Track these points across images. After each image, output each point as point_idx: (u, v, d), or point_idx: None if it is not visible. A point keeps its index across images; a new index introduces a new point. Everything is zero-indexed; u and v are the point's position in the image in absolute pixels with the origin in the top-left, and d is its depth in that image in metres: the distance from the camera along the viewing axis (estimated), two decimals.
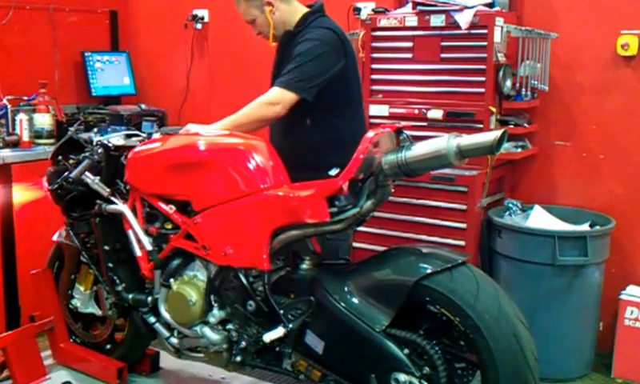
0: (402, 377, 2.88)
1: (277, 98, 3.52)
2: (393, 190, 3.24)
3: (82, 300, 4.12)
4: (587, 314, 4.35)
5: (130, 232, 3.61)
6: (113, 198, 3.69)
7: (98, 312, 4.10)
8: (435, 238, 4.35)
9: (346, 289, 3.08)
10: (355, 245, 4.62)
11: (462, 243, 4.31)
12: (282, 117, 3.56)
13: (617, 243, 4.41)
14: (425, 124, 4.43)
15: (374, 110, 4.64)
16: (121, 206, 3.64)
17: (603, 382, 4.36)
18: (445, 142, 2.90)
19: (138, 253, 3.60)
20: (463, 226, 4.33)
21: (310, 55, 3.53)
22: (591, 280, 4.28)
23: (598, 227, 4.34)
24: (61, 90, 5.65)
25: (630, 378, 4.30)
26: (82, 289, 4.12)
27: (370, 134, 3.04)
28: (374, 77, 4.71)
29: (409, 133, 3.14)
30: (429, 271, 2.91)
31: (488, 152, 2.93)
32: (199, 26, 6.10)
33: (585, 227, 4.36)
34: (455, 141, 2.89)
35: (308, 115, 3.63)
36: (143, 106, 5.99)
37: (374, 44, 4.67)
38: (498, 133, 2.82)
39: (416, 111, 4.47)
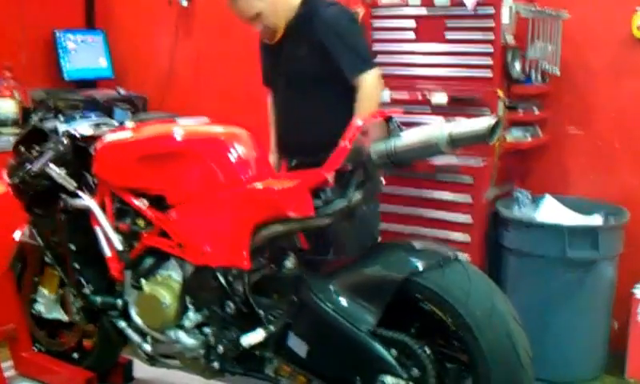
0: (389, 379, 2.97)
1: (378, 76, 3.92)
2: (384, 181, 3.35)
3: (46, 304, 4.18)
4: (599, 312, 4.45)
5: (98, 229, 3.68)
6: (80, 193, 3.75)
7: (65, 317, 4.16)
8: (439, 232, 4.47)
9: (331, 287, 3.17)
10: None
11: (467, 237, 4.43)
12: (304, 106, 3.91)
13: (632, 237, 4.46)
14: (429, 109, 4.53)
15: None
16: (88, 201, 3.71)
17: (616, 383, 4.46)
18: (436, 130, 3.01)
19: (107, 252, 3.67)
20: (469, 219, 4.45)
21: (356, 33, 4.01)
22: (604, 276, 4.38)
23: (611, 219, 4.42)
24: (28, 73, 5.66)
25: None
26: (46, 292, 4.18)
27: (359, 121, 3.14)
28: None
29: (405, 119, 3.23)
30: (419, 268, 3.01)
31: (481, 140, 3.01)
32: (184, 2, 6.14)
33: (598, 219, 4.44)
34: (447, 128, 2.99)
35: (339, 98, 3.94)
36: (122, 91, 6.05)
37: (375, 23, 4.77)
38: (491, 120, 2.94)
39: (419, 96, 4.57)
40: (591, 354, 4.49)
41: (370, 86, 3.86)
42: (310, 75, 3.95)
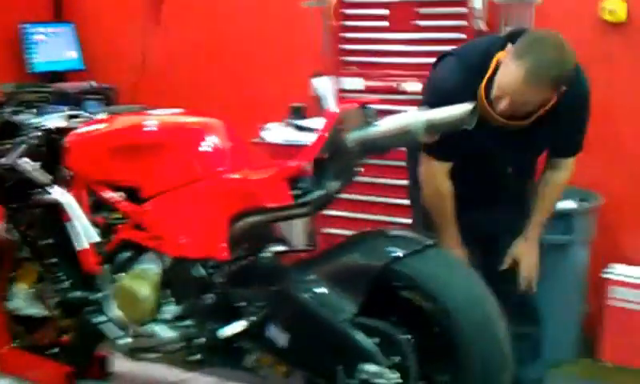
0: (370, 367, 2.99)
1: None
2: (362, 170, 3.40)
3: (23, 300, 4.18)
4: (572, 296, 4.55)
5: (74, 223, 3.70)
6: (55, 186, 3.77)
7: (42, 313, 4.14)
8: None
9: (310, 277, 3.20)
10: (326, 230, 4.74)
11: None
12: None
13: (605, 221, 4.57)
14: (403, 98, 4.57)
15: (348, 83, 4.79)
16: (60, 195, 3.73)
17: (592, 366, 4.58)
18: (413, 117, 3.07)
19: (83, 246, 3.70)
20: None
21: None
22: (576, 259, 4.49)
23: (585, 204, 4.50)
24: None
25: (619, 362, 4.52)
26: (23, 288, 4.17)
27: (335, 110, 3.20)
28: (346, 47, 4.86)
29: (380, 107, 3.28)
30: (397, 255, 3.06)
31: (459, 126, 3.04)
32: None
33: (572, 204, 4.49)
34: (424, 115, 3.06)
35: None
36: (94, 84, 6.07)
37: (346, 11, 4.82)
38: (468, 106, 3.00)
39: (394, 84, 4.65)
40: (565, 337, 4.57)
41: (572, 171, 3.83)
42: (539, 150, 3.80)
